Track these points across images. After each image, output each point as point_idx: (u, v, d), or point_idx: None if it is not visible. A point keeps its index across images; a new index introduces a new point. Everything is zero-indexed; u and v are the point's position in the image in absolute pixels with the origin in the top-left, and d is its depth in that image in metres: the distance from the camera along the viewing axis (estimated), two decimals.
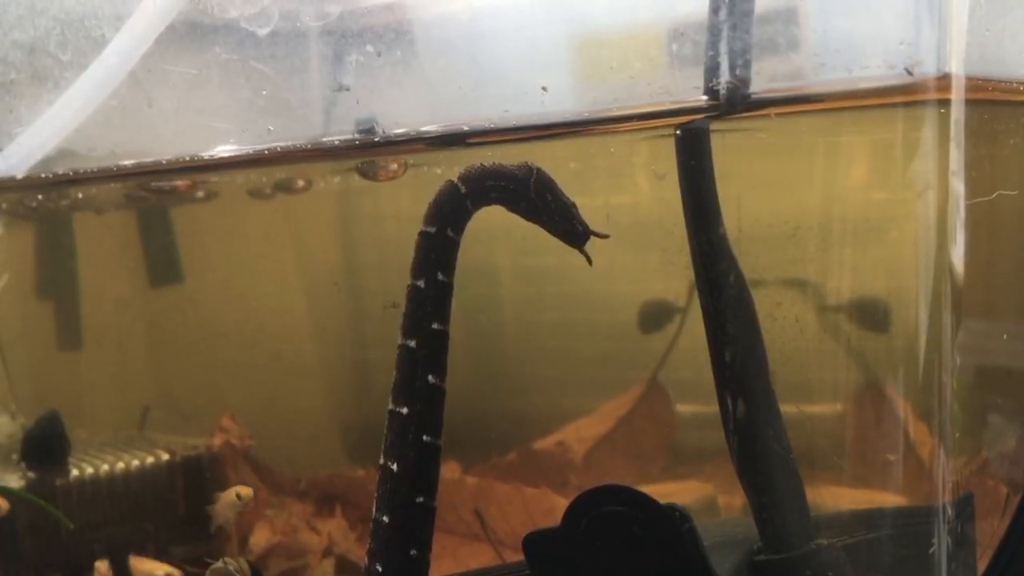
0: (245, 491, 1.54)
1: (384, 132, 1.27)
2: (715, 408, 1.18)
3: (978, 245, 1.10)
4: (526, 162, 1.05)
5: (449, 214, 1.05)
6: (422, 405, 1.05)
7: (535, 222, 1.07)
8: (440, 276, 1.05)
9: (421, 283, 1.05)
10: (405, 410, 1.05)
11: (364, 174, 1.51)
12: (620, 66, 1.21)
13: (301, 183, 1.64)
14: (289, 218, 1.81)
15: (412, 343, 1.05)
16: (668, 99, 1.14)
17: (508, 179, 1.05)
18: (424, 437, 1.05)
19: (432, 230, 1.05)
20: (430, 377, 1.05)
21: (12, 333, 1.78)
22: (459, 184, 1.04)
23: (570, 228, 1.06)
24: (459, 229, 1.06)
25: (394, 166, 1.47)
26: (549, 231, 1.08)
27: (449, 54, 1.33)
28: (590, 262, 1.08)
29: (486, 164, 1.05)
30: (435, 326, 1.05)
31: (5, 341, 1.76)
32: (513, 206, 1.07)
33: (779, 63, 1.12)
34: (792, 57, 1.11)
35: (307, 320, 1.90)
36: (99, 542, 1.64)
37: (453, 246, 1.05)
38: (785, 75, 1.13)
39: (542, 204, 1.05)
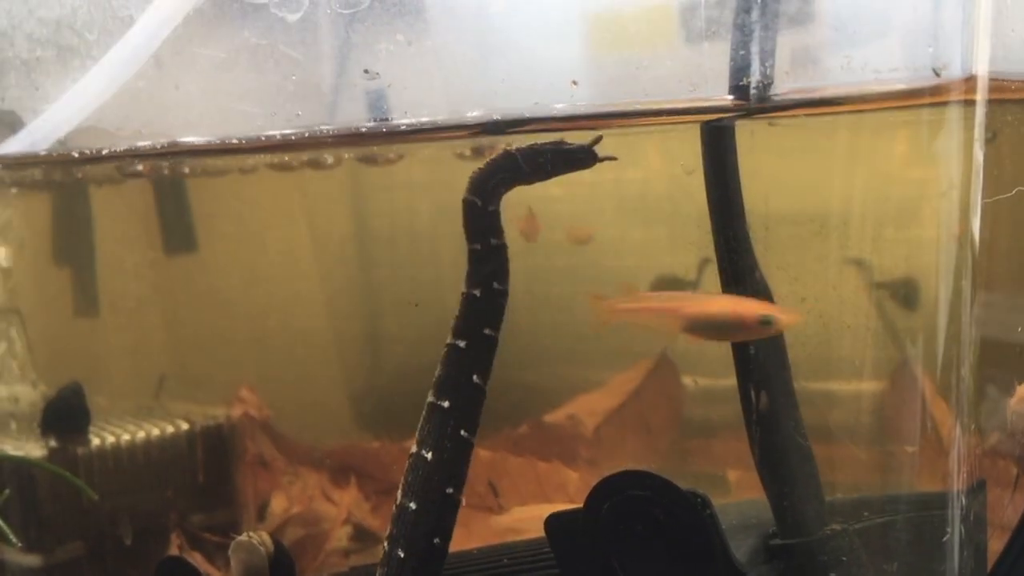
0: None
1: (387, 112, 1.27)
2: (723, 382, 1.19)
3: (998, 240, 1.11)
4: (504, 149, 1.08)
5: (481, 229, 1.08)
6: (463, 402, 1.09)
7: (550, 179, 1.10)
8: (496, 285, 1.08)
9: (477, 292, 1.08)
10: (447, 404, 1.08)
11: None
12: (647, 65, 1.22)
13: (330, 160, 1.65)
14: (303, 190, 1.82)
15: (462, 343, 1.08)
16: (697, 96, 1.15)
17: (503, 171, 1.07)
18: (461, 432, 1.08)
19: (478, 247, 1.08)
20: (475, 377, 1.08)
21: (31, 303, 1.78)
22: (474, 199, 1.07)
23: (574, 160, 1.08)
24: (498, 234, 1.09)
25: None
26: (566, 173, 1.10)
27: (468, 44, 1.32)
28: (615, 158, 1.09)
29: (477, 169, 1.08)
30: (487, 331, 1.08)
31: (25, 311, 1.77)
32: (527, 183, 1.09)
33: (805, 63, 1.13)
34: (818, 56, 1.12)
35: (323, 291, 1.91)
36: (120, 510, 1.66)
37: (502, 252, 1.09)
38: (810, 75, 1.14)
39: (541, 166, 1.08)
